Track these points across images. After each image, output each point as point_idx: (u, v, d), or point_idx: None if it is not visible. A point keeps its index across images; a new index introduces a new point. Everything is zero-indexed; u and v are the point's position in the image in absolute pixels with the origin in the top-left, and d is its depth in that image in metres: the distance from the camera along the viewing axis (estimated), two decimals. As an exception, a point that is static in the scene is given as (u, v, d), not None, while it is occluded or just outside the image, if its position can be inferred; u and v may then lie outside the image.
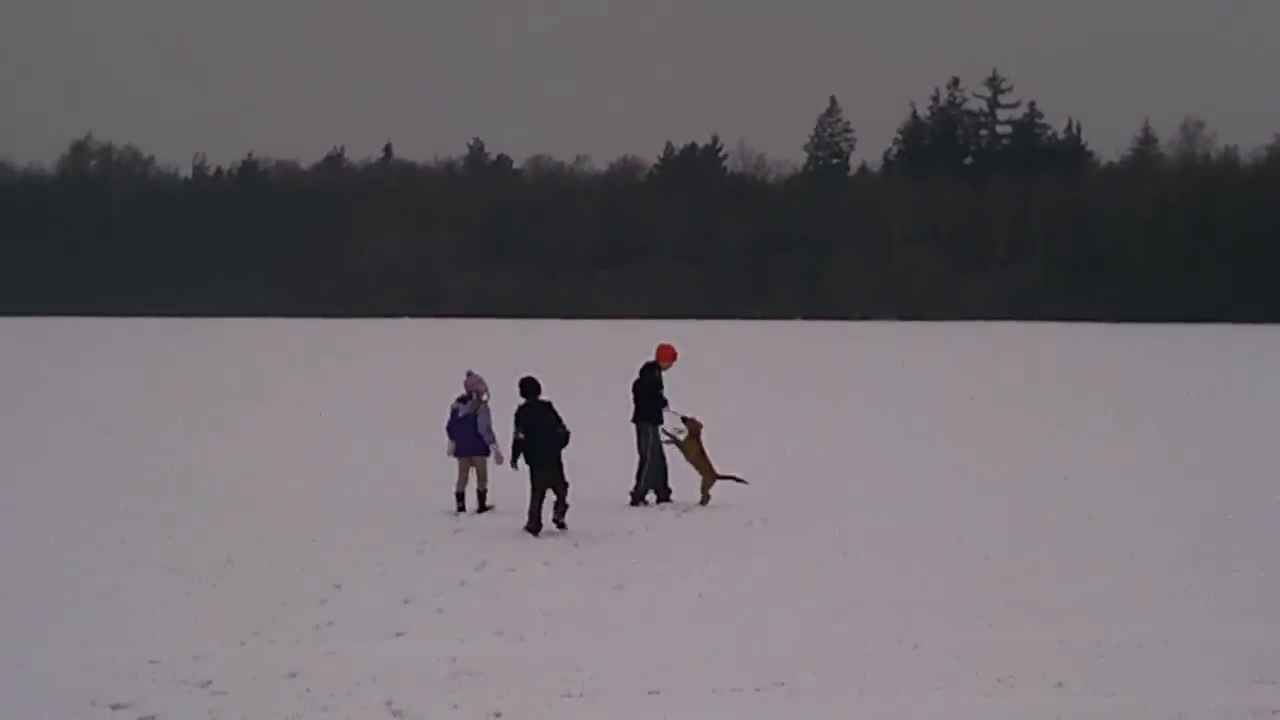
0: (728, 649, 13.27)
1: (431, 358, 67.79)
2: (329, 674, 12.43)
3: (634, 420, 23.32)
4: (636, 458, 23.14)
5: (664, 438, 23.02)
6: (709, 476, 22.91)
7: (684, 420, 23.09)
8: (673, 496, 23.05)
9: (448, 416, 22.31)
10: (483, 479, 21.94)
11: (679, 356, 24.09)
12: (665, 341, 24.48)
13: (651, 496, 23.05)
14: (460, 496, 21.94)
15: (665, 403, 23.33)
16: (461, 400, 22.15)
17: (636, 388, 23.41)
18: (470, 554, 18.22)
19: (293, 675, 12.39)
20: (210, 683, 12.17)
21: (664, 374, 23.62)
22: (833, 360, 68.50)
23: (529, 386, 20.83)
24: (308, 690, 11.98)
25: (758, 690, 12.03)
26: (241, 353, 73.62)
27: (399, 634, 13.92)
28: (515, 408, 20.67)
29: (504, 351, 61.35)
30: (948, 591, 15.95)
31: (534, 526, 20.04)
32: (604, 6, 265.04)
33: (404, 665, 12.71)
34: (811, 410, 40.69)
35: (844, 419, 37.96)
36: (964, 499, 23.39)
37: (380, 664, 12.73)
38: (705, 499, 22.74)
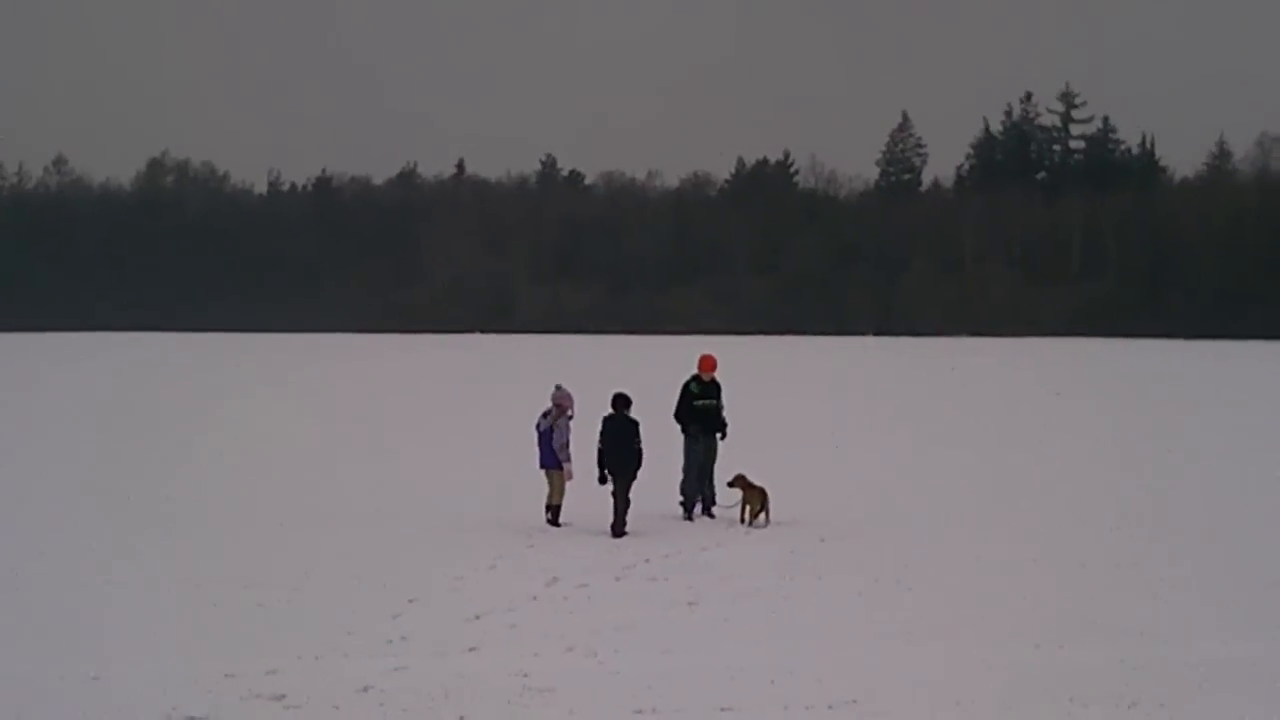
0: (800, 667, 13.25)
1: (503, 373, 68.01)
2: (402, 689, 12.50)
3: (683, 432, 23.66)
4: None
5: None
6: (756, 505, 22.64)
7: (730, 485, 22.84)
8: (695, 513, 23.19)
9: (535, 433, 22.54)
10: (558, 494, 22.07)
11: (716, 366, 24.06)
12: (707, 352, 24.64)
13: (699, 508, 23.27)
14: (551, 509, 22.09)
15: (689, 412, 23.56)
16: (545, 414, 22.36)
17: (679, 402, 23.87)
18: (543, 569, 18.27)
19: (366, 690, 12.46)
20: (284, 697, 12.25)
21: (706, 383, 23.69)
22: (904, 376, 68.19)
23: (618, 401, 21.96)
24: (381, 705, 12.05)
25: (830, 708, 12.02)
26: (314, 368, 74.01)
27: (471, 649, 13.97)
28: (601, 419, 21.83)
29: (575, 367, 61.43)
30: (1020, 610, 15.88)
31: (617, 530, 21.26)
32: (675, 23, 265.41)
33: (476, 680, 12.76)
34: (884, 427, 40.55)
35: (916, 436, 37.78)
36: (1035, 517, 23.25)
37: (453, 679, 12.78)
38: (748, 521, 22.51)
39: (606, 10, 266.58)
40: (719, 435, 23.59)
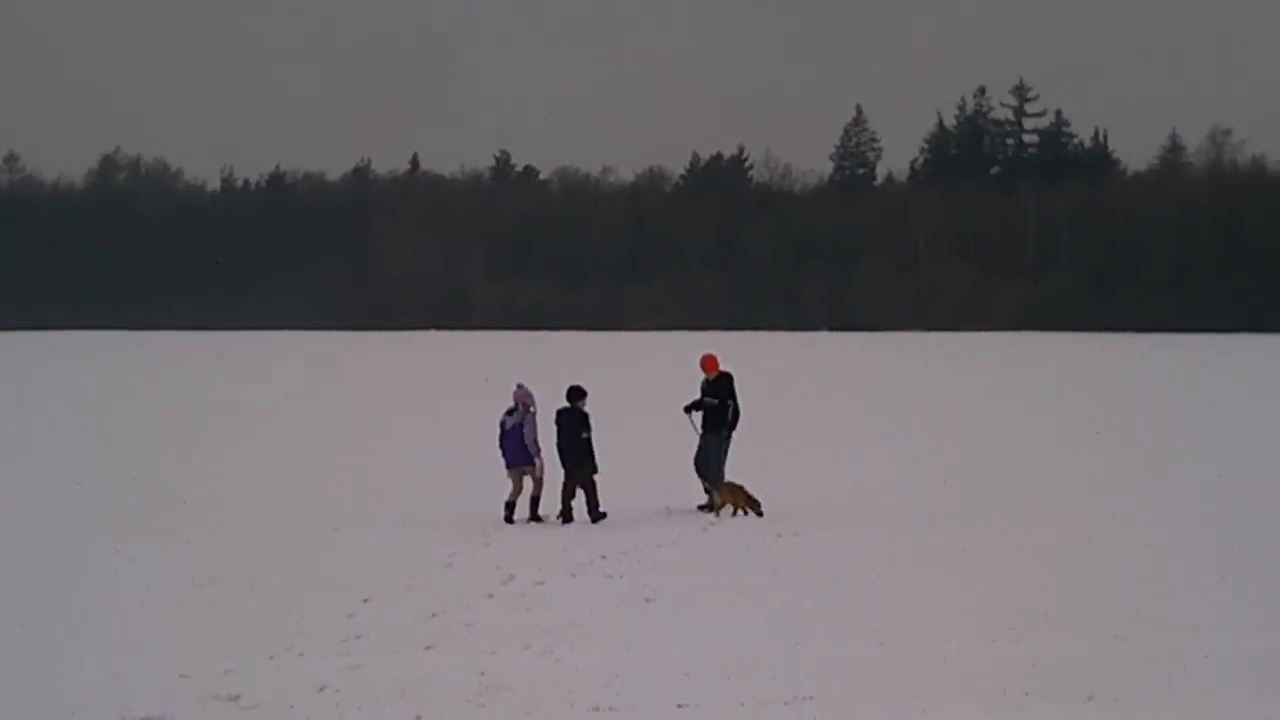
0: (757, 662, 13.25)
1: (459, 370, 67.90)
2: (358, 688, 12.45)
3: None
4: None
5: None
6: (733, 498, 22.99)
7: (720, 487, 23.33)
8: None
9: (497, 430, 22.65)
10: (538, 485, 22.32)
11: (716, 364, 24.38)
12: (708, 352, 25.01)
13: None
14: (510, 506, 22.21)
15: (692, 408, 24.17)
16: (509, 413, 22.48)
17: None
18: (499, 567, 18.24)
19: (322, 689, 12.42)
20: (239, 697, 12.19)
21: (711, 381, 24.08)
22: (860, 371, 68.36)
23: (571, 393, 22.54)
24: (336, 705, 12.00)
25: (786, 704, 12.02)
26: (269, 365, 73.74)
27: (428, 647, 13.93)
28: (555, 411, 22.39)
29: (531, 364, 61.30)
30: (977, 604, 15.91)
31: (564, 517, 22.00)
32: (628, 17, 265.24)
33: (433, 679, 12.72)
34: (839, 422, 40.63)
35: (872, 431, 37.89)
36: (993, 511, 23.33)
37: (409, 678, 12.74)
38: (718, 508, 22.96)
39: (558, 4, 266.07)
40: (726, 431, 23.92)
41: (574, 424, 22.26)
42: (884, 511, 23.23)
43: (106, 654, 13.62)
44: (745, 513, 22.76)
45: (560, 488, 22.22)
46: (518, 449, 22.22)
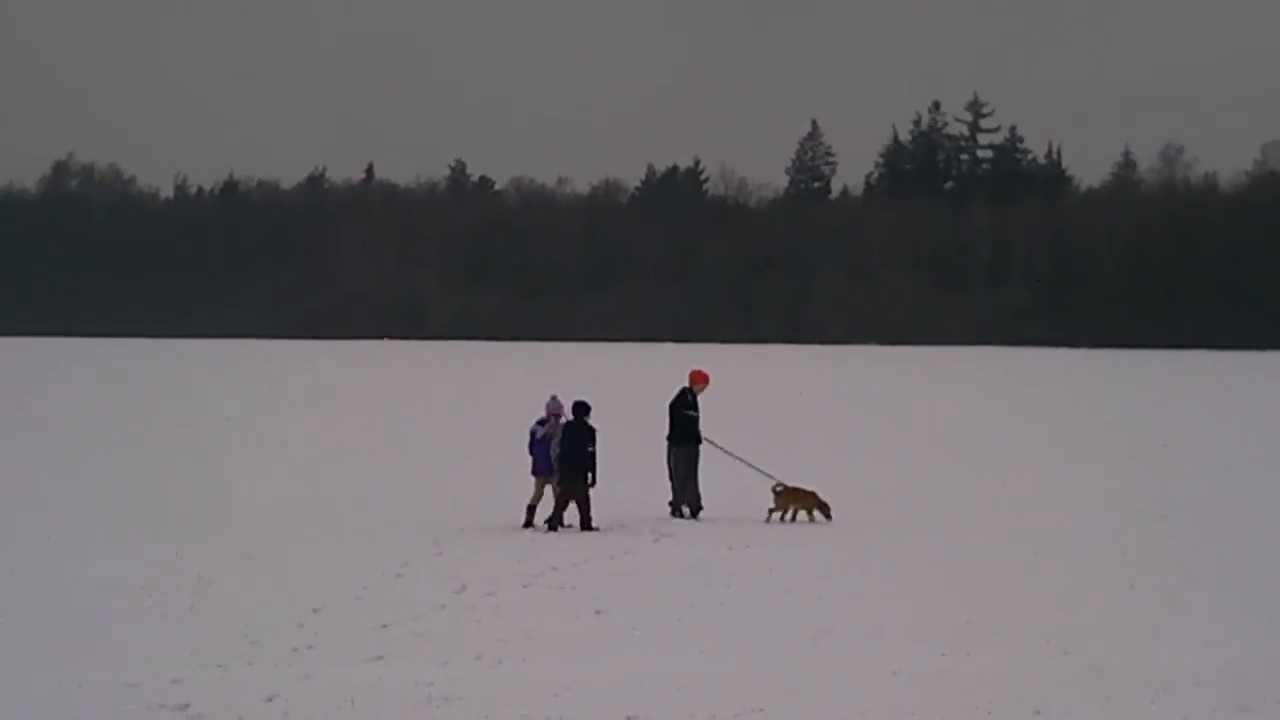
0: (707, 674, 13.24)
1: (413, 379, 67.73)
2: (308, 698, 12.39)
3: (667, 439, 24.69)
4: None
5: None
6: (809, 501, 23.76)
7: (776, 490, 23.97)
8: (701, 515, 24.11)
9: (527, 438, 23.36)
10: (538, 496, 22.91)
11: (707, 380, 25.40)
12: (698, 367, 25.96)
13: (686, 510, 24.18)
14: (531, 510, 22.83)
15: (690, 420, 24.71)
16: (541, 423, 23.14)
17: (671, 409, 24.89)
18: (450, 577, 18.19)
19: (271, 699, 12.35)
20: (188, 706, 12.12)
21: (698, 396, 24.99)
22: (813, 383, 68.46)
23: (577, 408, 22.92)
24: (285, 714, 11.94)
25: (736, 715, 12.01)
26: (221, 373, 73.44)
27: (378, 658, 13.87)
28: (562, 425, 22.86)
29: (486, 373, 61.21)
30: (925, 618, 15.94)
31: (552, 525, 22.41)
32: (585, 29, 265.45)
33: (383, 689, 12.67)
34: (790, 434, 40.65)
35: (822, 443, 37.94)
36: (942, 525, 23.41)
37: (359, 688, 12.68)
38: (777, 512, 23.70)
39: (515, 16, 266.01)
40: (697, 444, 24.60)
41: (578, 436, 22.57)
42: (835, 524, 23.31)
43: (56, 661, 13.52)
44: (811, 517, 23.55)
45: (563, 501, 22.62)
46: (546, 458, 22.85)
